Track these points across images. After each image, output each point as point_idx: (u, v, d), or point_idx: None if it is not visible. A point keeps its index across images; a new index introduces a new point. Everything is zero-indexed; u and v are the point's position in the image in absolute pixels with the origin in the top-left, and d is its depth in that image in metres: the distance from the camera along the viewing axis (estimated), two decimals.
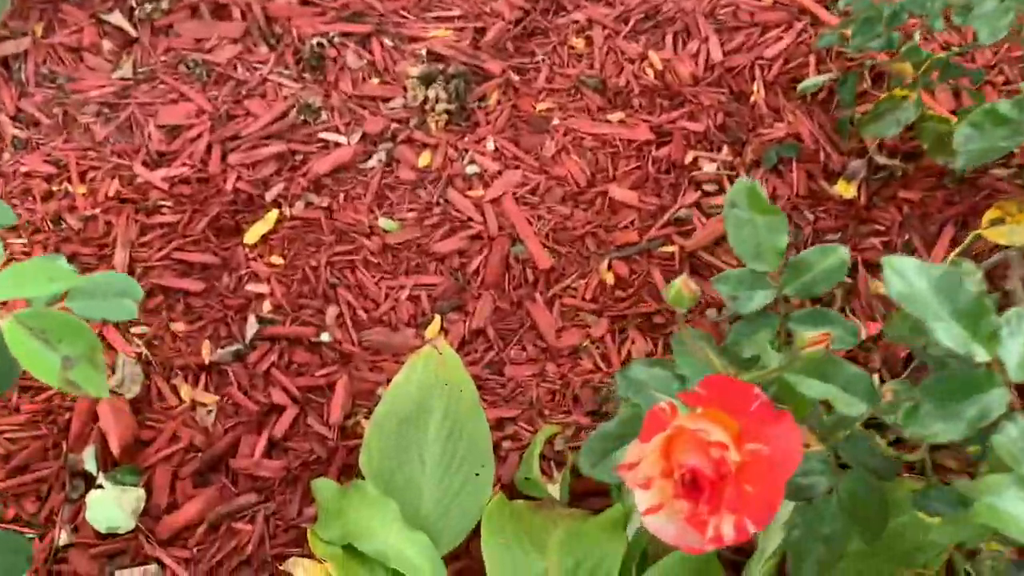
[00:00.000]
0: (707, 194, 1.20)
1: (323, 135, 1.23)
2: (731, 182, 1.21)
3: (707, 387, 0.51)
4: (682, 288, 0.57)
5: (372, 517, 0.85)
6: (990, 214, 1.06)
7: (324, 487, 0.91)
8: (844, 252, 0.66)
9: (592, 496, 0.99)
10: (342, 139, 1.23)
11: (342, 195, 1.18)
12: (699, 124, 1.24)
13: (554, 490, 0.97)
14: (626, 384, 0.63)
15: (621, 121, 1.25)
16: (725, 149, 1.23)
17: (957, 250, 1.11)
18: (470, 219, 1.17)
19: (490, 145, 1.23)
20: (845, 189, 1.19)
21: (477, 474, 0.90)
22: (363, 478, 0.90)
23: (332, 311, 1.10)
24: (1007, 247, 1.04)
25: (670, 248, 1.15)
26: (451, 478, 0.91)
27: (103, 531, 0.97)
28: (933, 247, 1.14)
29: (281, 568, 0.83)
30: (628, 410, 0.63)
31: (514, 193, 1.19)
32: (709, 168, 1.21)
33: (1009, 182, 1.17)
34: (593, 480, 1.01)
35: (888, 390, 0.69)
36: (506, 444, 1.03)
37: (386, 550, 0.83)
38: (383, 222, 1.16)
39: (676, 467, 0.51)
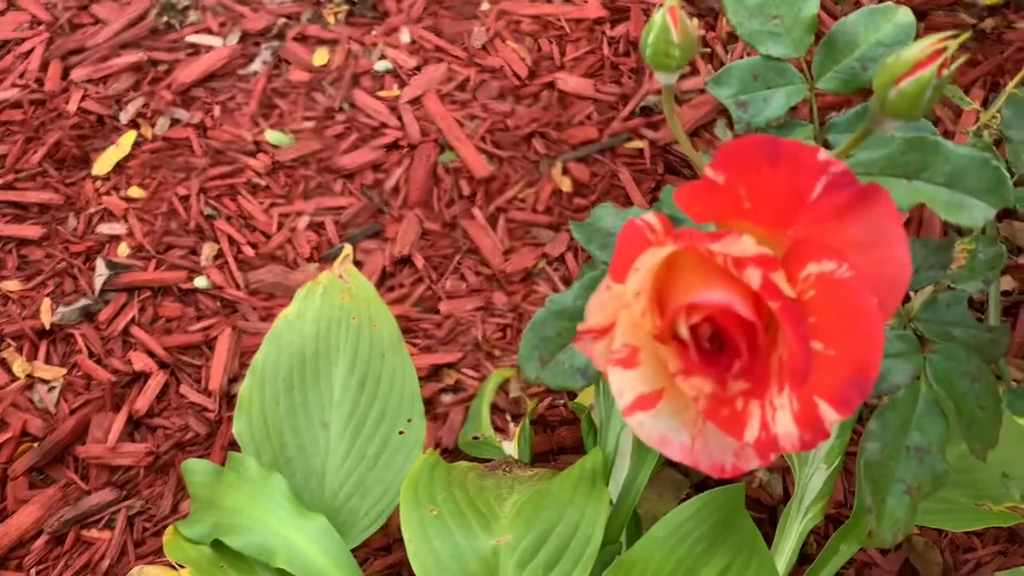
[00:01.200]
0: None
1: (192, 39, 0.98)
2: (705, 60, 0.98)
3: (726, 161, 0.27)
4: (667, 27, 0.32)
5: (252, 501, 0.61)
6: None
7: (195, 468, 0.66)
8: (906, 13, 0.43)
9: (563, 453, 0.75)
10: (216, 41, 0.98)
11: (217, 108, 0.93)
12: None
13: (510, 448, 0.73)
14: (586, 235, 0.39)
15: None
16: (695, 22, 1.00)
17: (989, 111, 0.89)
18: (384, 125, 0.92)
19: (405, 37, 0.98)
20: None
21: (402, 432, 0.66)
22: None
23: (208, 249, 0.85)
24: None
25: (638, 143, 0.92)
26: (366, 441, 0.66)
27: None
28: (961, 113, 0.91)
29: None
30: (592, 273, 0.39)
31: (438, 90, 0.94)
32: None
33: None
34: (563, 433, 0.78)
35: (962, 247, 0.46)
36: (446, 398, 0.79)
37: (270, 543, 0.58)
38: (271, 135, 0.91)
39: (681, 317, 0.27)
